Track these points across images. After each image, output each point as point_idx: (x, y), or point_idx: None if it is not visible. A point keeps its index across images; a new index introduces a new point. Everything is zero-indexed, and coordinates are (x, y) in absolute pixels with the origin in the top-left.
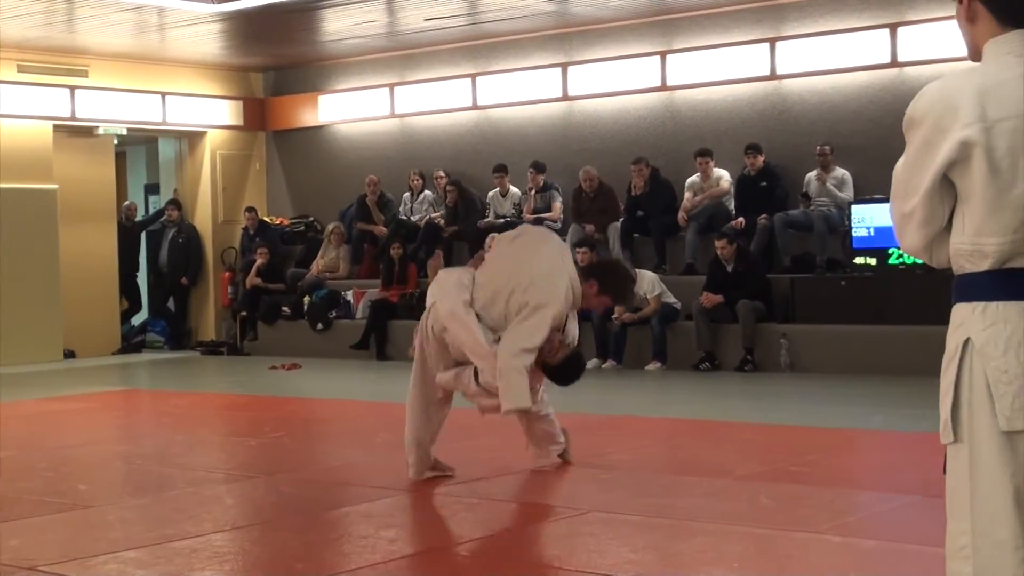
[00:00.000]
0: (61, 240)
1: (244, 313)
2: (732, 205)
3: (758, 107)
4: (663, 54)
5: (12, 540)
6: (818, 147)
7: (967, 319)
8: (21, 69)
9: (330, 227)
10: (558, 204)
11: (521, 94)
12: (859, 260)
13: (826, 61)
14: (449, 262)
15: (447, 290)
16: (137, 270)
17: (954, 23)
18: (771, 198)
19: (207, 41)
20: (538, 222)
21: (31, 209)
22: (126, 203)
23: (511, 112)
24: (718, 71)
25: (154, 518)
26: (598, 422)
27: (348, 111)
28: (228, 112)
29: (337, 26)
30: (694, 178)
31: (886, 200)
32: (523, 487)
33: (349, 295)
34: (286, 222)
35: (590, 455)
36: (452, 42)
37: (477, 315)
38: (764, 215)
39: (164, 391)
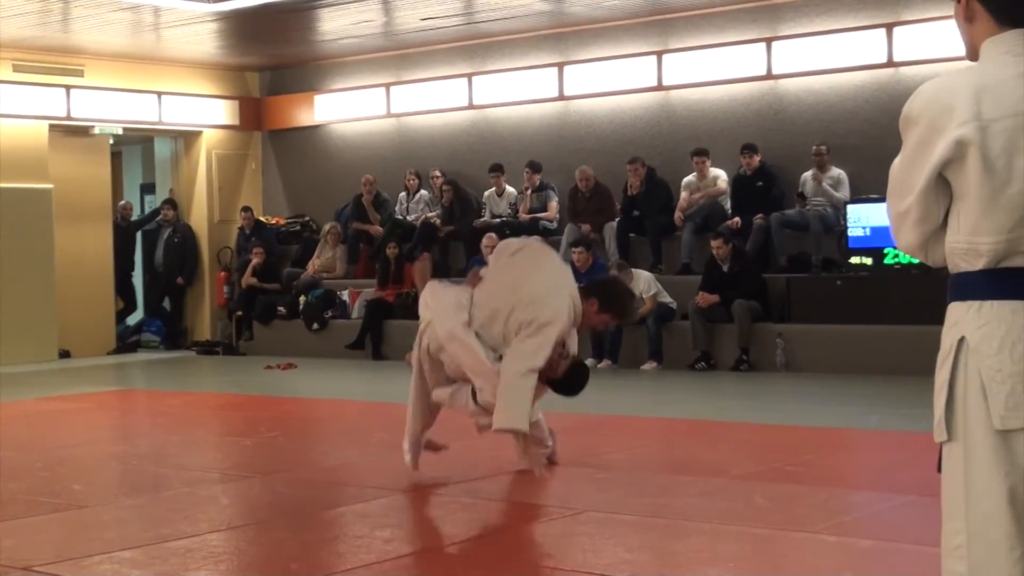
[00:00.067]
0: (57, 240)
1: (240, 313)
2: (728, 205)
3: (754, 107)
4: (659, 54)
5: (7, 540)
6: (814, 147)
7: (962, 318)
8: (17, 68)
9: (327, 227)
10: (554, 204)
11: (517, 94)
12: (855, 260)
13: (822, 61)
14: (445, 262)
15: (445, 311)
16: (133, 270)
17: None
18: (767, 198)
19: (203, 40)
20: (534, 222)
21: (27, 209)
22: (122, 203)
23: (507, 112)
24: (714, 71)
25: (149, 518)
26: (594, 422)
27: (344, 111)
28: (224, 112)
29: (333, 26)
30: (690, 178)
31: (882, 200)
32: (518, 487)
33: (345, 295)
34: (282, 222)
35: (586, 455)
36: (448, 42)
37: (476, 334)
38: (760, 215)
39: (160, 391)
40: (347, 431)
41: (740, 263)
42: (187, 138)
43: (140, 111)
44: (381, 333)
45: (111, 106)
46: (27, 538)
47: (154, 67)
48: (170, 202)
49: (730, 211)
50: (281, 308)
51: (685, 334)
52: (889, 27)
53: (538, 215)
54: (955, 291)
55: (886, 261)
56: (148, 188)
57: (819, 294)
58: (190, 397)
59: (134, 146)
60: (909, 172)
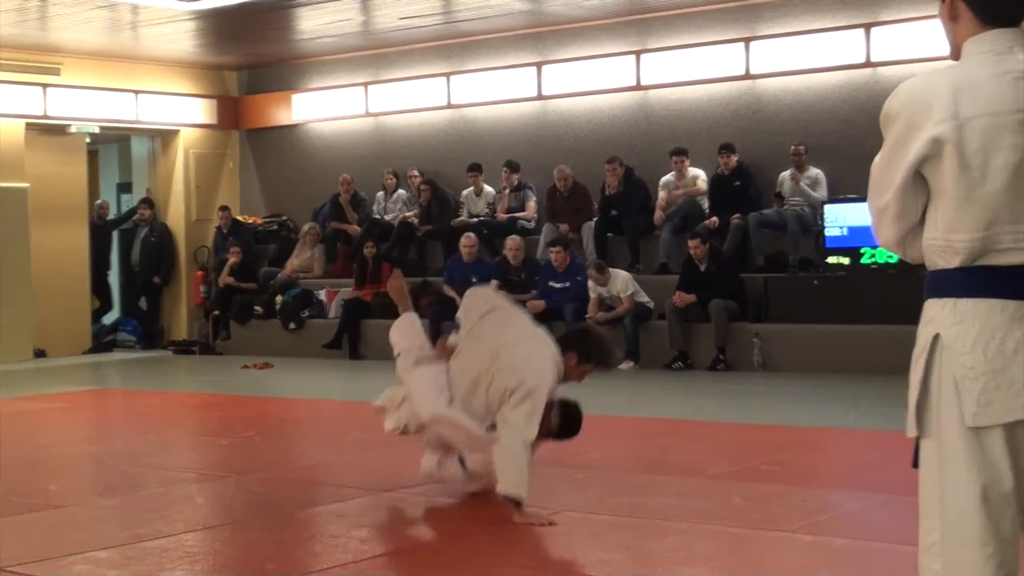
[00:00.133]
0: (32, 239)
1: (216, 312)
2: (706, 205)
3: (732, 107)
4: (637, 53)
5: None
6: (793, 147)
7: (937, 315)
8: None
9: (306, 227)
10: (532, 203)
11: (495, 93)
12: (832, 260)
13: (800, 61)
14: (422, 261)
15: (425, 394)
16: (109, 269)
17: (927, 23)
18: (744, 198)
19: (181, 39)
20: (512, 221)
21: (2, 207)
22: (98, 202)
23: (485, 111)
24: (692, 71)
25: (125, 518)
26: None
27: (322, 110)
28: (201, 110)
29: (311, 25)
30: (668, 177)
31: (859, 200)
32: (496, 487)
33: (322, 294)
34: (259, 221)
35: (562, 454)
36: (426, 41)
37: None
38: (737, 215)
39: (136, 390)
40: (324, 431)
41: (717, 263)
42: (164, 137)
43: (117, 110)
44: (358, 333)
45: (88, 105)
46: (1, 538)
47: (131, 66)
48: (147, 201)
49: (708, 211)
50: (258, 307)
51: (662, 334)
52: (867, 27)
53: (516, 215)
54: (931, 288)
55: (863, 261)
56: (125, 187)
57: (796, 294)
58: (166, 397)
59: (111, 145)
60: (888, 169)
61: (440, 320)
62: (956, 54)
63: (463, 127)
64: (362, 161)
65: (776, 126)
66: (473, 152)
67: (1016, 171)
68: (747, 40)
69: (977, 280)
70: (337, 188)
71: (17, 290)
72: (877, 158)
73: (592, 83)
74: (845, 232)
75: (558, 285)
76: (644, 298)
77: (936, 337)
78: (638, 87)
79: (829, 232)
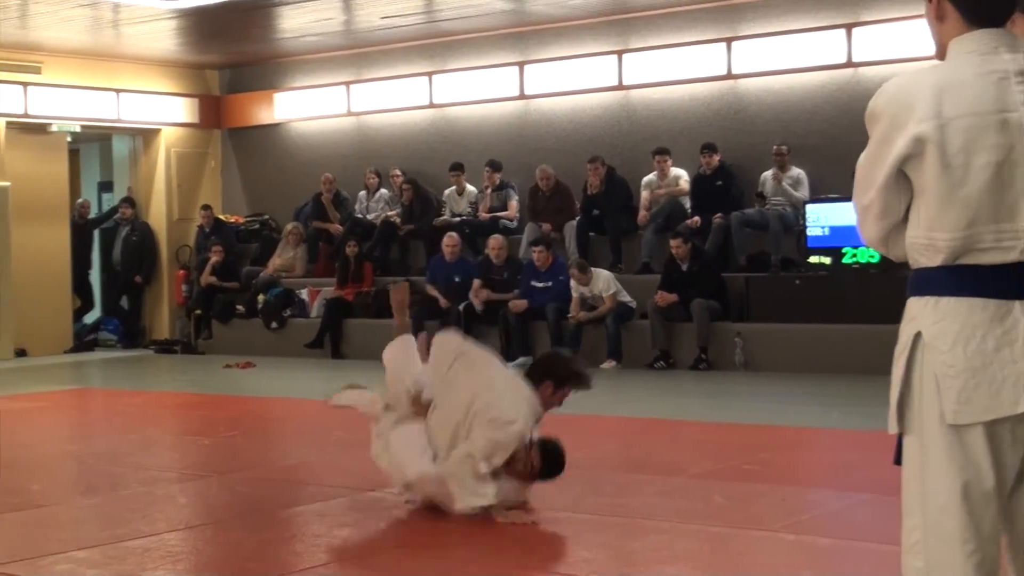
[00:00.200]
0: (13, 238)
1: (198, 311)
2: (688, 204)
3: (714, 106)
4: (619, 53)
5: None
6: (775, 147)
7: (919, 312)
8: None
9: (288, 227)
10: (514, 203)
11: (477, 92)
12: (814, 259)
13: (782, 61)
14: (404, 261)
15: (409, 457)
16: (90, 268)
17: (908, 24)
18: (726, 197)
19: (162, 38)
20: (494, 221)
21: None
22: (79, 201)
23: (467, 111)
24: (674, 70)
25: (106, 517)
26: (553, 421)
27: (304, 109)
28: (183, 109)
29: (293, 23)
30: (650, 176)
31: (841, 200)
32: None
33: (304, 293)
34: (241, 220)
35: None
36: (408, 40)
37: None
38: (719, 214)
39: (117, 390)
40: (306, 430)
41: (699, 262)
42: (146, 136)
43: (98, 108)
44: (340, 332)
45: (69, 103)
46: None
47: (113, 64)
48: (128, 200)
49: (690, 211)
50: (240, 307)
51: (644, 333)
52: (848, 27)
53: (498, 214)
54: (914, 286)
55: (844, 261)
56: (106, 186)
57: (778, 293)
58: (148, 396)
59: (92, 144)
60: (871, 167)
61: (423, 320)
62: (942, 54)
63: (445, 126)
64: (344, 160)
65: (758, 126)
66: (455, 151)
67: (998, 171)
68: (729, 40)
69: (959, 278)
70: (319, 187)
71: None
72: (862, 156)
73: (574, 83)
74: (827, 232)
75: (540, 285)
76: (626, 298)
77: (918, 335)
78: (620, 87)
79: (811, 232)
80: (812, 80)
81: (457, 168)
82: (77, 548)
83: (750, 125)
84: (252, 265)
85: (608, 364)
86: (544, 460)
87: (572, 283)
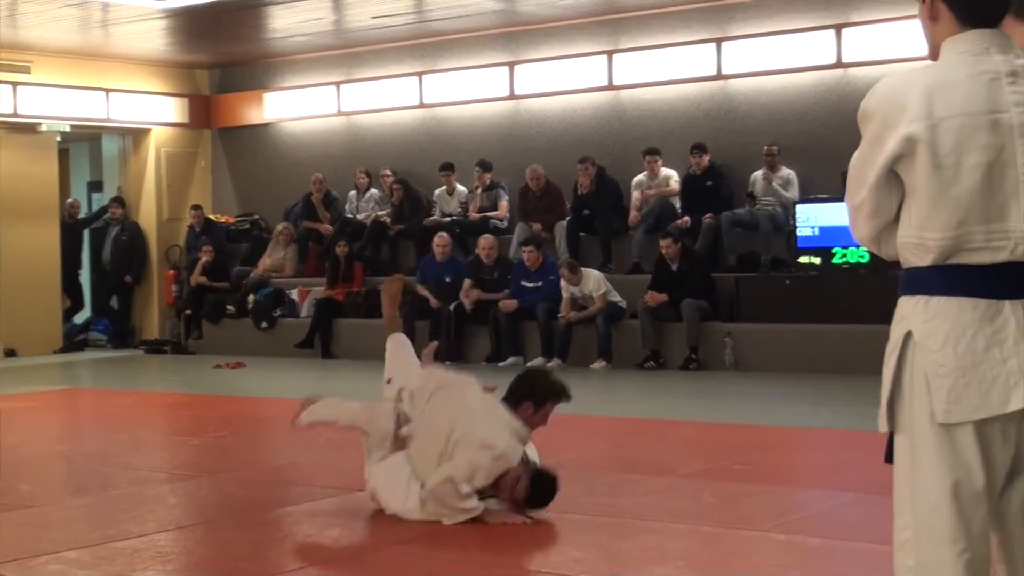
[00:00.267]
0: (2, 237)
1: (188, 311)
2: (679, 205)
3: (704, 107)
4: (610, 53)
5: None
6: (765, 147)
7: (910, 312)
8: None
9: (279, 227)
10: (504, 203)
11: (468, 92)
12: (803, 259)
13: (772, 61)
14: (395, 261)
15: (394, 491)
16: (80, 268)
17: (898, 24)
18: (716, 197)
19: (152, 37)
20: (484, 221)
21: None
22: (69, 200)
23: (458, 111)
24: (665, 71)
25: (96, 518)
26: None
27: (294, 109)
28: (173, 109)
29: (283, 23)
30: (641, 177)
31: (831, 200)
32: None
33: (294, 293)
34: (231, 220)
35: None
36: (399, 40)
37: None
38: (709, 214)
39: (107, 390)
40: (296, 430)
41: (689, 262)
42: (135, 136)
43: (88, 108)
44: (330, 332)
45: (58, 103)
46: None
47: (102, 64)
48: (118, 200)
49: (680, 211)
50: (230, 307)
51: (634, 333)
52: (838, 28)
53: (488, 214)
54: (905, 285)
55: (834, 261)
56: (96, 186)
57: (768, 293)
58: (138, 396)
59: (82, 143)
60: (863, 167)
61: (413, 320)
62: (934, 54)
63: (435, 126)
64: (334, 160)
65: (748, 126)
66: (445, 151)
67: (988, 171)
68: (719, 40)
69: (949, 278)
70: (309, 187)
71: None
72: (854, 156)
73: (564, 83)
74: (817, 232)
75: (531, 285)
76: (616, 297)
77: (908, 334)
78: (610, 87)
79: (801, 232)
80: (802, 80)
81: (447, 168)
82: (67, 548)
83: (740, 125)
84: (242, 265)
85: (598, 364)
86: (532, 490)
87: (562, 283)
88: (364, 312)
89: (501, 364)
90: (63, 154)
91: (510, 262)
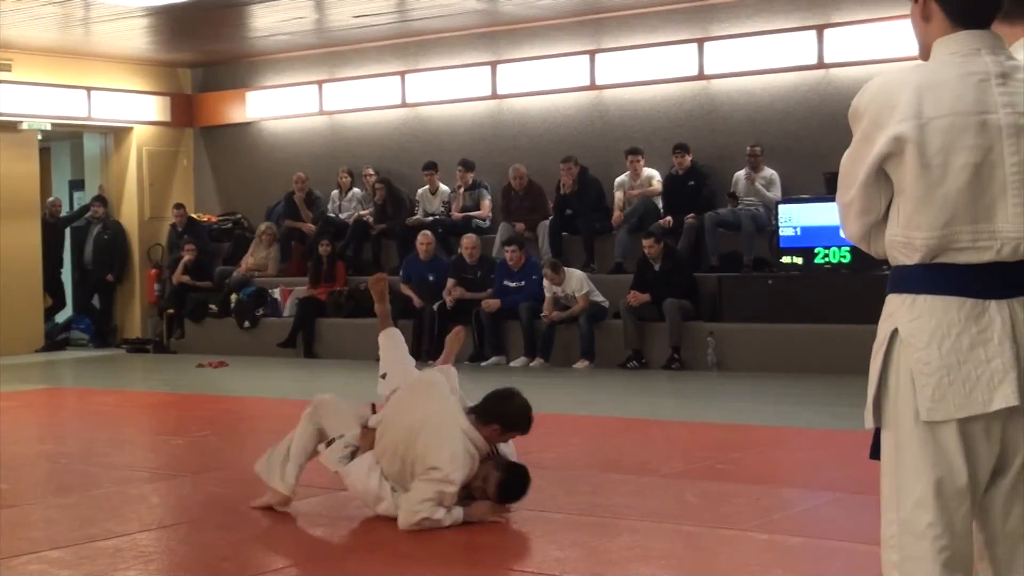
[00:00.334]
0: None
1: (171, 310)
2: (661, 204)
3: (686, 107)
4: (592, 53)
5: None
6: (748, 147)
7: (897, 310)
8: None
9: (262, 227)
10: (487, 202)
11: (450, 92)
12: (786, 259)
13: (754, 62)
14: (377, 260)
15: (368, 493)
16: (61, 267)
17: (879, 25)
18: (698, 197)
19: (134, 36)
20: (467, 220)
21: None
22: (50, 199)
23: (440, 110)
24: (647, 71)
25: (78, 517)
26: None
27: (276, 108)
28: (155, 108)
29: (266, 22)
30: (623, 177)
31: (813, 200)
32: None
33: (276, 293)
34: (214, 219)
35: (517, 453)
36: (381, 39)
37: (393, 488)
38: (691, 214)
39: (89, 389)
40: (278, 429)
41: (672, 262)
42: (117, 134)
43: (69, 106)
44: (313, 331)
45: (39, 101)
46: None
47: (84, 62)
48: (100, 199)
49: (662, 210)
50: (212, 306)
51: (617, 333)
52: (819, 29)
53: (471, 213)
54: (892, 283)
55: (816, 261)
56: (77, 184)
57: (750, 293)
58: (120, 395)
59: (63, 142)
60: (853, 165)
61: (396, 319)
62: (926, 54)
63: (418, 126)
64: (316, 159)
65: (730, 126)
66: (428, 151)
67: (976, 171)
68: (701, 41)
69: (935, 277)
70: (291, 186)
71: None
72: (845, 153)
73: (547, 83)
74: (799, 232)
75: (513, 284)
76: (599, 297)
77: (895, 332)
78: (593, 87)
79: (783, 232)
80: (784, 81)
81: (431, 167)
82: (49, 548)
83: (722, 125)
84: (224, 264)
85: (581, 364)
86: (503, 484)
87: (545, 283)
88: (347, 312)
89: (484, 364)
90: (44, 152)
91: (493, 261)
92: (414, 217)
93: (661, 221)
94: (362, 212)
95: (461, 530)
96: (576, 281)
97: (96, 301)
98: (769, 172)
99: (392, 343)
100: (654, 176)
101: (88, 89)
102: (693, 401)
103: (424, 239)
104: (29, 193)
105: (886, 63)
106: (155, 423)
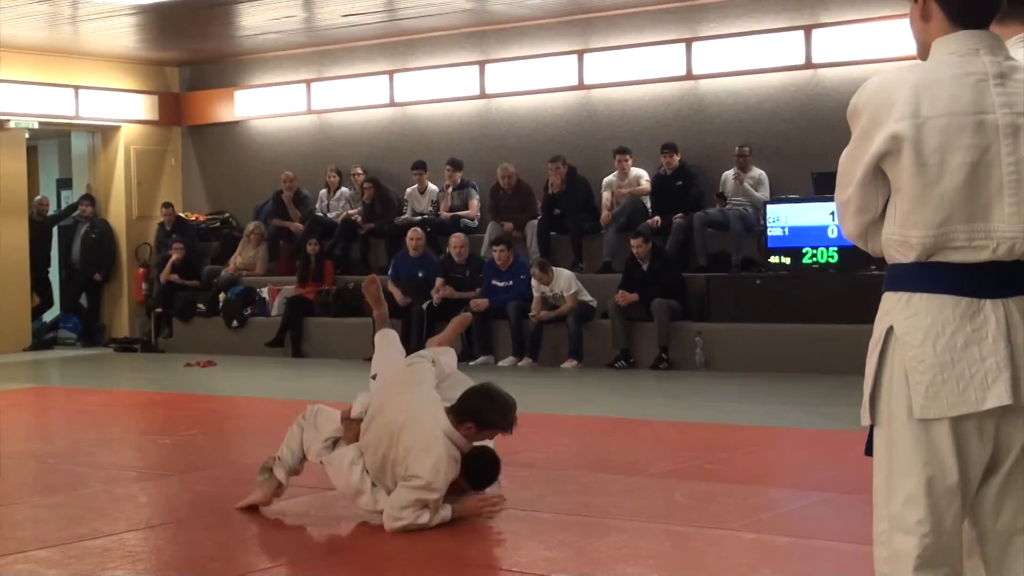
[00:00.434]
0: None
1: (159, 309)
2: (649, 204)
3: (674, 107)
4: (580, 53)
5: None
6: (737, 147)
7: (892, 308)
8: None
9: (250, 226)
10: (475, 202)
11: (438, 91)
12: (774, 259)
13: (742, 62)
14: (365, 260)
15: (350, 492)
16: (49, 266)
17: (867, 26)
18: (686, 197)
19: (122, 34)
20: (455, 219)
21: None
22: (38, 198)
23: (428, 109)
24: (635, 70)
25: (66, 517)
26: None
27: (264, 107)
28: (143, 106)
29: (254, 21)
30: (611, 177)
31: (801, 200)
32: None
33: (264, 292)
34: (202, 218)
35: (506, 452)
36: (370, 38)
37: (373, 484)
38: (680, 214)
39: (76, 388)
40: (266, 429)
41: (660, 262)
42: (105, 133)
43: (57, 105)
44: (301, 331)
45: (27, 100)
46: None
47: (71, 61)
48: (88, 198)
49: (651, 210)
50: (200, 305)
51: (605, 333)
52: (807, 29)
53: (459, 213)
54: (889, 281)
55: (804, 261)
56: (65, 183)
57: (738, 293)
58: (108, 395)
59: (51, 140)
60: (851, 164)
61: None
62: (924, 54)
63: (406, 125)
64: (305, 159)
65: (718, 126)
66: (416, 150)
67: (972, 171)
68: (689, 41)
69: (931, 275)
70: (280, 185)
71: None
72: (844, 152)
73: (535, 82)
74: (787, 232)
75: (502, 284)
76: (587, 297)
77: (890, 329)
78: (581, 86)
79: (771, 232)
80: (772, 81)
81: (419, 167)
82: (36, 548)
83: (710, 125)
84: (213, 263)
85: (569, 363)
86: (470, 470)
87: (533, 282)
88: (335, 311)
89: (472, 363)
90: (31, 151)
91: (481, 261)
92: (402, 216)
93: (649, 221)
94: (350, 211)
95: (448, 529)
96: (564, 281)
97: (84, 300)
98: (757, 172)
99: (387, 344)
100: (642, 176)
101: (76, 88)
102: (681, 401)
103: (414, 235)
104: (17, 192)
105: (874, 63)
106: (143, 422)
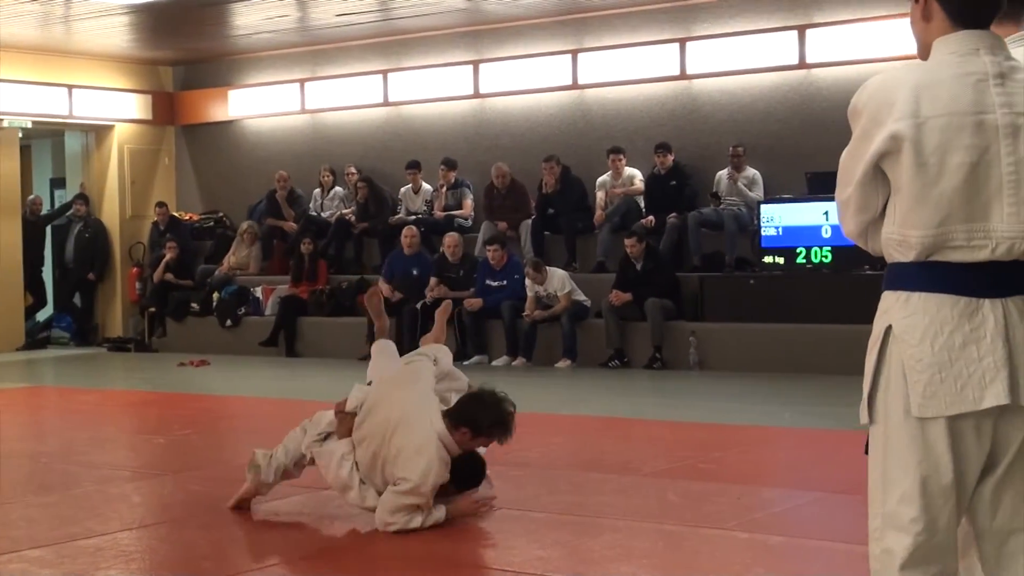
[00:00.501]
0: None
1: (152, 309)
2: (643, 204)
3: (668, 106)
4: (574, 52)
5: None
6: (731, 147)
7: (891, 307)
8: None
9: (244, 226)
10: (469, 201)
11: (433, 91)
12: (767, 259)
13: (736, 62)
14: (359, 259)
15: (340, 486)
16: (42, 265)
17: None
18: (680, 197)
19: (115, 34)
20: (449, 219)
21: None
22: (31, 197)
23: (422, 109)
24: (629, 70)
25: (59, 516)
26: None
27: (258, 106)
28: (136, 106)
29: (248, 20)
30: (605, 177)
31: (795, 200)
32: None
33: (258, 291)
34: (196, 217)
35: (499, 452)
36: (363, 38)
37: (361, 481)
38: (674, 214)
39: (70, 388)
40: (260, 429)
41: (654, 262)
42: (99, 132)
43: (50, 104)
44: (294, 330)
45: (20, 99)
46: None
47: (65, 60)
48: (82, 197)
49: (644, 210)
50: (194, 304)
51: (599, 332)
52: (801, 29)
53: (453, 212)
54: (888, 280)
55: (798, 261)
56: (58, 183)
57: (732, 293)
58: (101, 394)
59: (44, 140)
60: (851, 163)
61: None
62: (925, 53)
63: (400, 124)
64: (299, 158)
65: (711, 126)
66: (410, 149)
67: (971, 171)
68: (683, 40)
69: (930, 275)
70: (273, 185)
71: None
72: (844, 151)
73: (529, 82)
74: (780, 232)
75: (495, 283)
76: (581, 296)
77: (889, 328)
78: (575, 86)
79: (765, 232)
80: (765, 81)
81: (414, 166)
82: (29, 547)
83: (704, 125)
84: (206, 263)
85: (563, 363)
86: (454, 474)
87: (527, 282)
88: (328, 310)
89: (466, 363)
90: (25, 150)
91: (475, 260)
92: (396, 216)
93: (643, 220)
94: (344, 211)
95: (442, 529)
96: (558, 280)
97: (77, 299)
98: (751, 172)
99: (383, 355)
100: (636, 175)
101: (69, 87)
102: (675, 400)
103: (408, 232)
104: (10, 191)
105: (868, 63)
106: (136, 422)
